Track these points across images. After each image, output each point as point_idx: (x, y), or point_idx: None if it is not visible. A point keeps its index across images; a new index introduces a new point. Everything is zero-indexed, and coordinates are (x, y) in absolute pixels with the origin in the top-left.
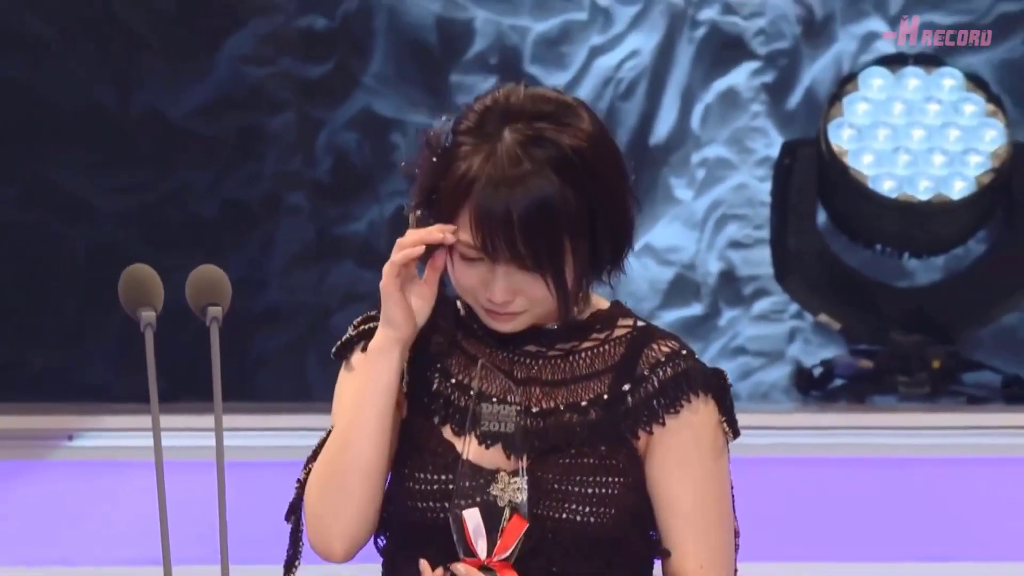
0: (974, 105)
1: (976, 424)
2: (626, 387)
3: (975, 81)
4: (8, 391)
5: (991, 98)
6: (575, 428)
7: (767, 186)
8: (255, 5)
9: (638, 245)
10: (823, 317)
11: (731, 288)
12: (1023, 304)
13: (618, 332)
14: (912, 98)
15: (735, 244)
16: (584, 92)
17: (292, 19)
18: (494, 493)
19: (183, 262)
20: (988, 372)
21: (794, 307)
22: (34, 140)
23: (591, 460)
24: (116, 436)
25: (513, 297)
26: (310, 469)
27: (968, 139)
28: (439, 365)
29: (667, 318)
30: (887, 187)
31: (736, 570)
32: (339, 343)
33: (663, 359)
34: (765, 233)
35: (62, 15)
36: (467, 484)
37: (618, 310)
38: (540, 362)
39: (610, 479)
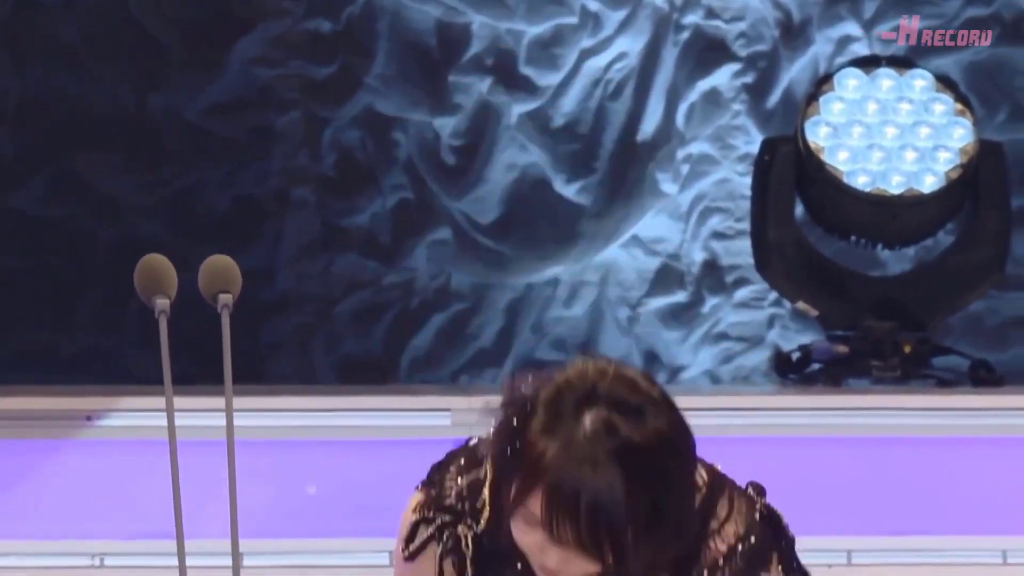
0: (943, 104)
1: (945, 406)
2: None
3: (944, 82)
4: (34, 375)
5: (959, 98)
6: None
7: (748, 180)
8: (264, 10)
9: (626, 236)
10: (801, 304)
11: (714, 277)
12: (990, 292)
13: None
14: (885, 98)
15: (718, 235)
16: (575, 92)
17: (299, 23)
18: None
19: (198, 253)
20: (956, 357)
21: (773, 295)
22: (61, 140)
23: None
24: (134, 416)
25: (565, 572)
26: None
27: (938, 136)
28: (500, 562)
29: (653, 305)
30: (861, 182)
31: None
32: (416, 546)
33: (729, 552)
34: (746, 225)
35: (88, 23)
36: None
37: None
38: None
39: None
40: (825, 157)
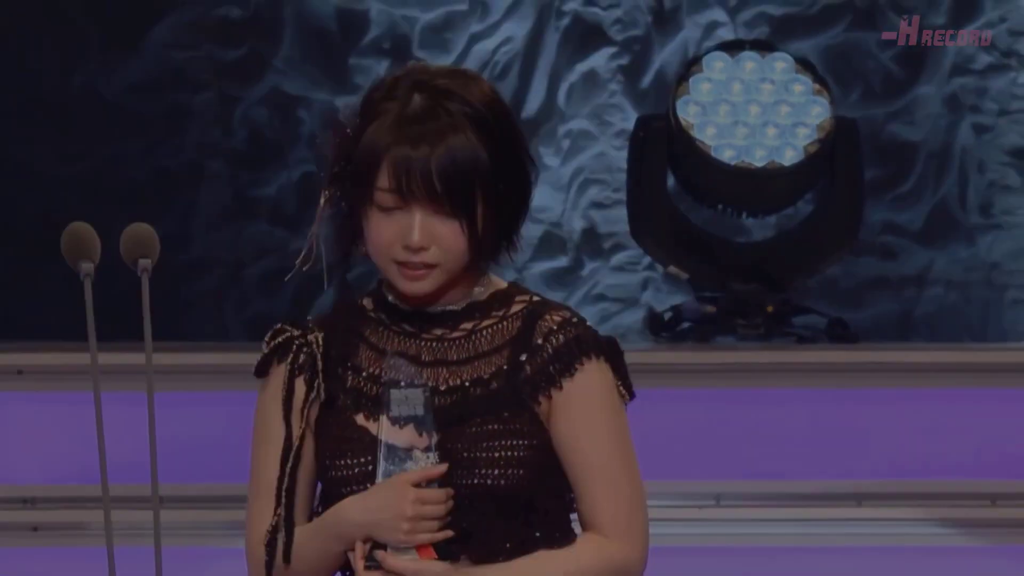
0: (802, 85)
1: (804, 360)
2: (523, 357)
3: (803, 64)
4: None
5: (817, 79)
6: (478, 399)
7: (623, 154)
8: None
9: None
10: (672, 268)
11: (592, 243)
12: (844, 257)
13: (515, 308)
14: (749, 79)
15: (596, 205)
16: None
17: (210, 9)
18: (409, 469)
19: (118, 222)
20: (814, 316)
21: (647, 259)
22: None
23: (495, 426)
24: (61, 371)
25: (429, 244)
26: (271, 534)
27: (797, 114)
28: (349, 363)
29: (537, 269)
30: (728, 155)
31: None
32: (259, 362)
33: (556, 327)
34: (622, 195)
35: (15, 9)
36: (384, 464)
37: (515, 289)
38: (445, 344)
39: (515, 442)
40: (694, 133)
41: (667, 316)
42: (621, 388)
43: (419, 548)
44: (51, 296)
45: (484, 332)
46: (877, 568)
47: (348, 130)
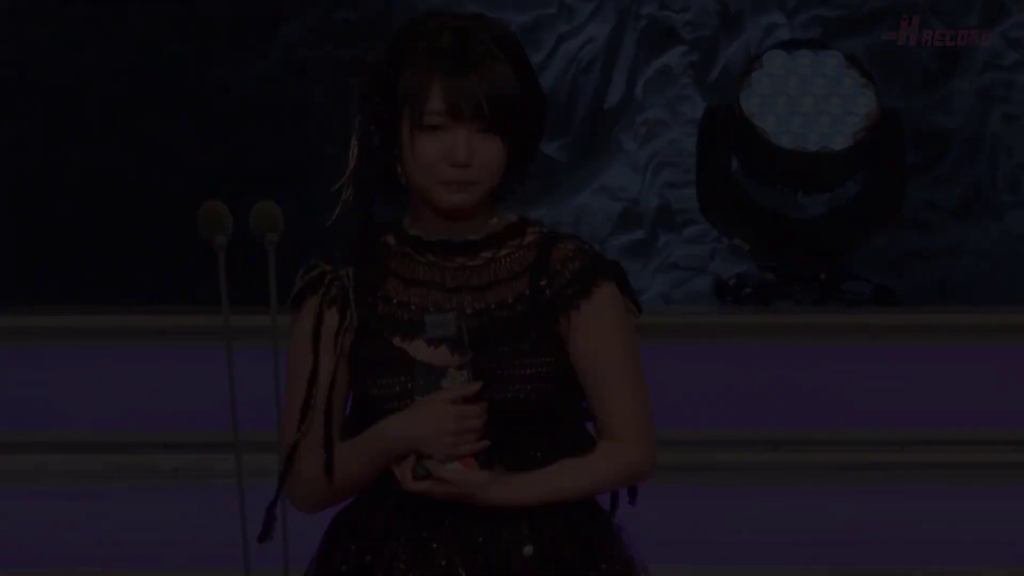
0: (851, 79)
1: (853, 322)
2: (543, 282)
3: (852, 60)
4: (116, 295)
5: (864, 73)
6: (507, 321)
7: (693, 140)
8: (301, 1)
9: (595, 185)
10: (736, 241)
11: (666, 218)
12: (889, 231)
13: (528, 238)
14: (804, 73)
15: (669, 184)
16: (554, 69)
17: (329, 12)
18: (445, 385)
19: (247, 199)
20: (862, 282)
21: (714, 233)
22: (139, 107)
23: (525, 346)
24: (196, 331)
25: (472, 161)
26: (297, 445)
27: (847, 105)
28: (379, 293)
29: (618, 241)
30: (785, 141)
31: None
32: (293, 294)
33: (571, 254)
34: (692, 176)
35: (163, 13)
36: (421, 381)
37: (525, 221)
38: (467, 271)
39: (543, 359)
40: (756, 121)
41: (732, 283)
42: (630, 304)
43: (462, 459)
44: (189, 266)
45: (503, 260)
46: (917, 506)
47: (383, 68)
